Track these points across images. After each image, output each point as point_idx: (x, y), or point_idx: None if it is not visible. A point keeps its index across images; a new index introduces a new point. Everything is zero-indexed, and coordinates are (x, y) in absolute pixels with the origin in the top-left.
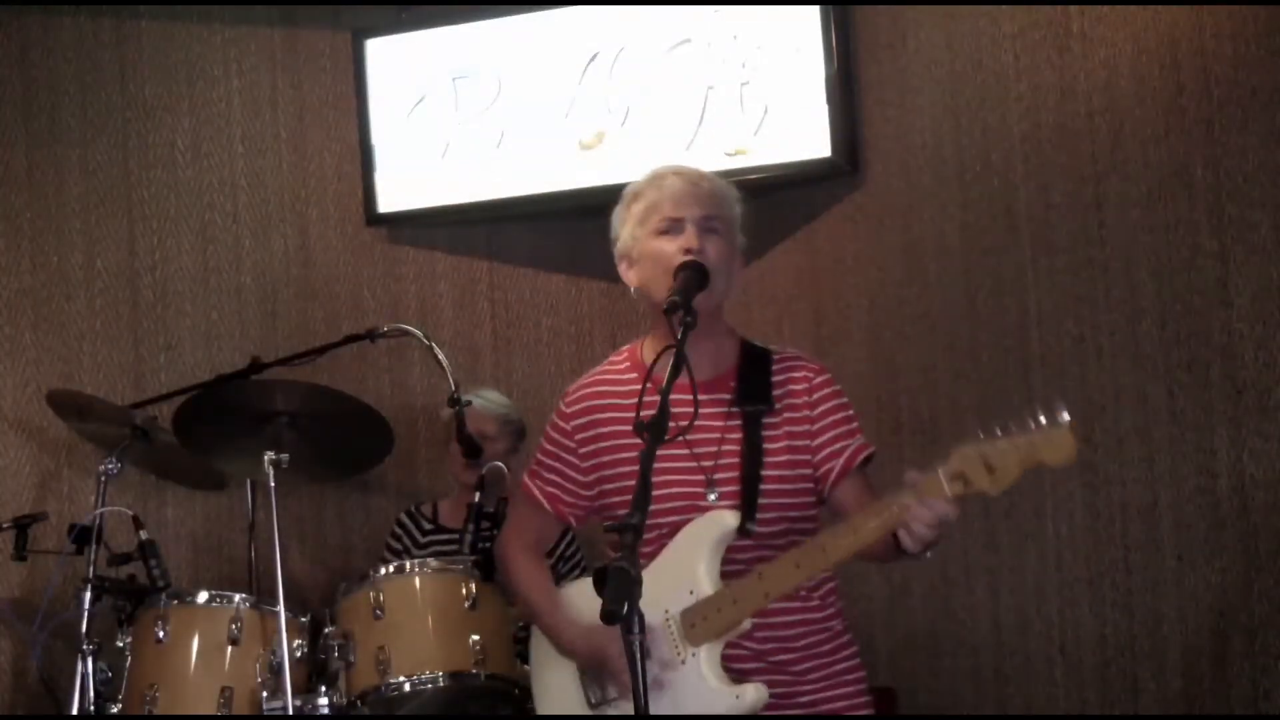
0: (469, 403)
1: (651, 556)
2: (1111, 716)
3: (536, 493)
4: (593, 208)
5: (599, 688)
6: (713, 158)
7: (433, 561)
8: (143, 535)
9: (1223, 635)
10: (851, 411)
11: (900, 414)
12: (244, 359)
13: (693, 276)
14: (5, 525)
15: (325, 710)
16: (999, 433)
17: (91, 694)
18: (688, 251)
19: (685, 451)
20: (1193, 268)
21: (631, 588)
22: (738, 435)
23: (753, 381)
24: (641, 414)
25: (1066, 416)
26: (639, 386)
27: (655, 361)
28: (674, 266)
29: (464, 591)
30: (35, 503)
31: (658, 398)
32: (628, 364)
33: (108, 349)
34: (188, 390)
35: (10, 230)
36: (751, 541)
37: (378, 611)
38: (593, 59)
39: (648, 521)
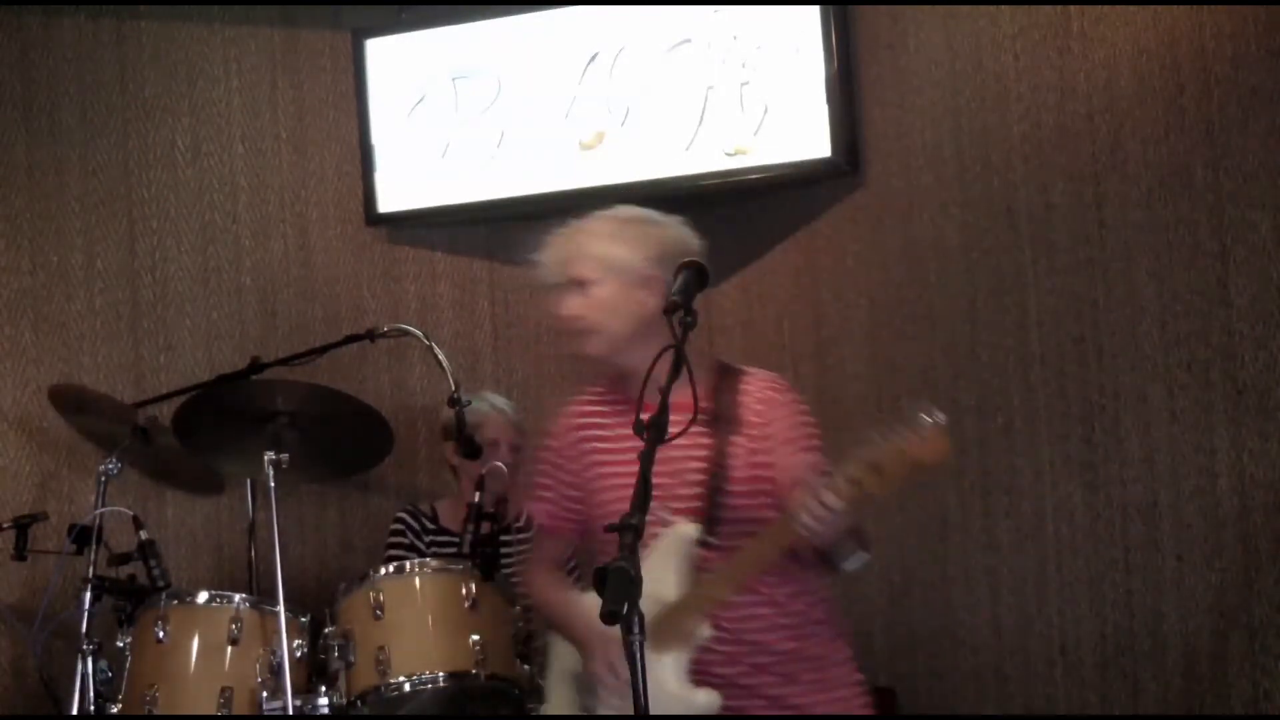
0: (469, 402)
1: None
2: (1111, 716)
3: (537, 515)
4: (593, 208)
5: (589, 694)
6: (713, 158)
7: (433, 561)
8: (143, 535)
9: (1223, 635)
10: (812, 429)
11: (900, 414)
12: (244, 359)
13: (693, 276)
14: (5, 525)
15: (325, 710)
16: (881, 434)
17: (91, 694)
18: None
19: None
20: (1193, 268)
21: (631, 587)
22: (704, 453)
23: (721, 403)
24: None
25: (941, 417)
26: (622, 402)
27: (656, 360)
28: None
29: (464, 591)
30: (35, 503)
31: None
32: (605, 388)
33: (108, 349)
34: (188, 390)
35: (10, 230)
36: (715, 554)
37: (378, 611)
38: (593, 59)
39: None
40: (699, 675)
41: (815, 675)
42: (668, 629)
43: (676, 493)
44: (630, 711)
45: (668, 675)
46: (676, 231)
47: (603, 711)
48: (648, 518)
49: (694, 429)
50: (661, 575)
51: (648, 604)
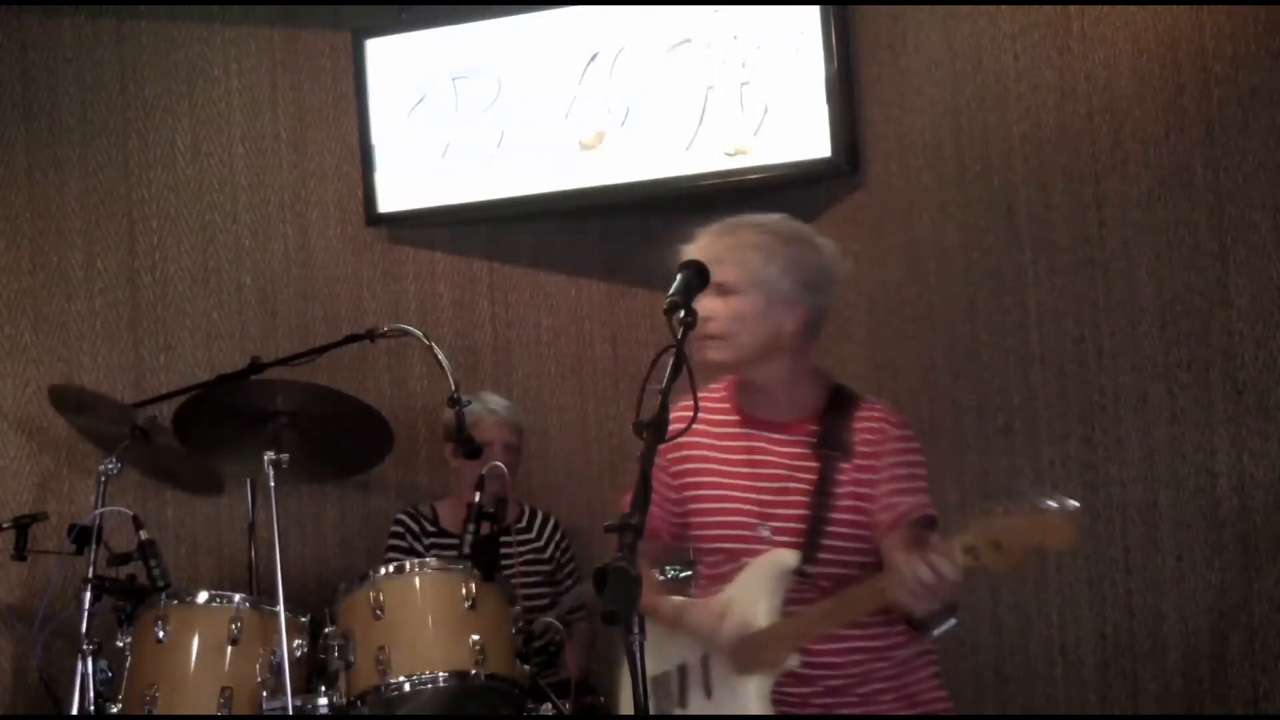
0: (469, 403)
1: (715, 581)
2: (1111, 716)
3: None
4: (593, 208)
5: (666, 698)
6: (713, 158)
7: (433, 561)
8: (143, 535)
9: (1223, 635)
10: (919, 469)
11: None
12: (244, 359)
13: (693, 276)
14: (5, 525)
15: (325, 710)
16: (1005, 509)
17: (91, 694)
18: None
19: (748, 483)
20: (1193, 268)
21: (631, 587)
22: (810, 476)
23: (834, 429)
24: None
25: (1073, 504)
26: (733, 412)
27: (656, 361)
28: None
29: (464, 591)
30: (35, 503)
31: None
32: (723, 394)
33: (108, 349)
34: (188, 390)
35: (10, 230)
36: (809, 583)
37: (378, 611)
38: (593, 59)
39: (709, 546)
40: (775, 692)
41: (894, 696)
42: (755, 654)
43: (778, 512)
44: (718, 713)
45: (750, 700)
46: (829, 258)
47: (677, 711)
48: (745, 533)
49: (800, 450)
50: (755, 601)
51: (737, 627)
